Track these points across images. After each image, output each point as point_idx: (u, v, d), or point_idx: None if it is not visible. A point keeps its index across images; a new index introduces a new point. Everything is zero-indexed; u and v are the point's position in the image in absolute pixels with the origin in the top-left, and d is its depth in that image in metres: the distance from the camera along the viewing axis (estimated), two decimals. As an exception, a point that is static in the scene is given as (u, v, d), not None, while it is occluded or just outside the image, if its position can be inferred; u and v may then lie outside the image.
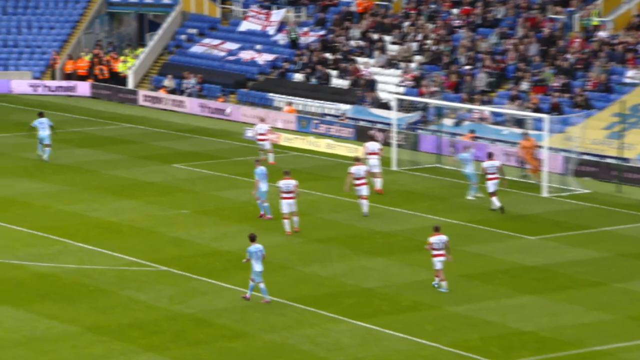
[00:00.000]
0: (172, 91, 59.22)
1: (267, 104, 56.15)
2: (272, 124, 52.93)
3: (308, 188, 40.01)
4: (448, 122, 48.25)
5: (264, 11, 61.88)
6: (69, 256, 31.36)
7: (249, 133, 50.14)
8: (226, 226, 34.90)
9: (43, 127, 44.42)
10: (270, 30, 61.10)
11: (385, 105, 51.74)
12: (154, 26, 66.35)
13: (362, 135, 49.71)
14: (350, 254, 32.26)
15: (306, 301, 27.87)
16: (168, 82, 59.58)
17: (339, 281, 29.71)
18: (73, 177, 41.42)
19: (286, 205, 33.81)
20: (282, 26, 61.05)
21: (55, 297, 27.80)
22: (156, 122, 54.06)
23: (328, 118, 53.03)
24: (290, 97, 55.40)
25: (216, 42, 61.88)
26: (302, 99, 55.15)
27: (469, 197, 38.67)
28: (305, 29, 60.24)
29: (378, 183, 39.63)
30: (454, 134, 47.44)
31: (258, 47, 60.39)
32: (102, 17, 66.55)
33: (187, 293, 28.41)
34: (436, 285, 28.94)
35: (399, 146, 44.85)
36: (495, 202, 36.99)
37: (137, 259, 31.12)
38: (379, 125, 50.19)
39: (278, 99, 55.94)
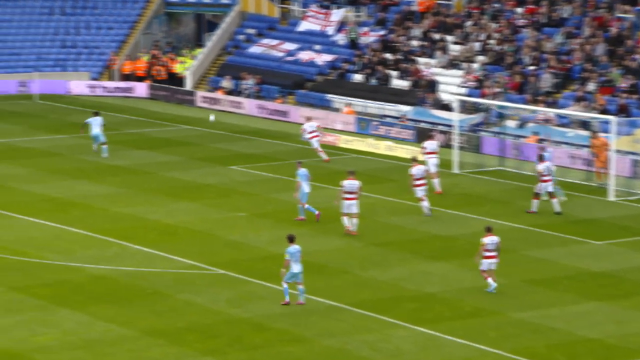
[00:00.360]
0: (230, 92, 59.48)
1: (326, 105, 56.16)
2: (331, 125, 52.95)
3: (367, 191, 39.90)
4: (511, 124, 47.90)
5: (324, 11, 61.92)
6: (127, 259, 31.59)
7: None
8: (284, 229, 34.90)
9: (95, 125, 45.48)
10: (330, 30, 61.12)
11: (447, 107, 51.50)
12: (212, 26, 66.69)
13: (422, 137, 49.49)
14: (410, 258, 32.14)
15: (365, 306, 27.80)
16: (226, 83, 59.84)
17: (398, 286, 29.61)
18: (130, 179, 41.74)
19: (350, 206, 33.84)
20: (341, 26, 61.04)
21: (113, 300, 28.01)
22: (214, 123, 54.31)
23: (388, 119, 52.90)
24: (349, 98, 55.37)
25: (275, 42, 62.03)
26: (362, 100, 55.08)
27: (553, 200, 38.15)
28: (365, 28, 60.17)
29: (437, 184, 39.45)
30: (517, 136, 47.10)
31: (317, 47, 60.45)
32: (160, 18, 67.04)
33: (244, 297, 28.47)
34: (492, 291, 28.73)
35: (461, 148, 44.60)
36: (536, 206, 36.84)
37: (194, 261, 31.26)
38: (440, 127, 49.97)
39: (337, 100, 55.93)
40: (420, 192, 36.32)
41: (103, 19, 66.81)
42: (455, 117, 45.81)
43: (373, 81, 56.42)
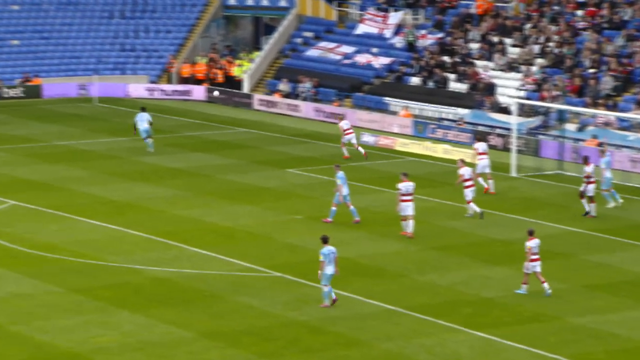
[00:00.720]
0: (287, 95, 59.65)
1: (383, 108, 56.13)
2: (388, 128, 52.92)
3: (424, 194, 39.83)
4: (571, 127, 47.53)
5: (381, 14, 61.88)
6: (185, 261, 31.80)
7: (365, 137, 50.21)
8: (341, 232, 34.96)
9: (142, 121, 46.87)
10: (387, 33, 61.07)
11: (505, 110, 51.21)
12: (270, 29, 66.95)
13: (480, 140, 49.26)
14: (469, 262, 32.01)
15: (423, 310, 27.74)
16: (283, 86, 60.03)
17: (456, 290, 29.51)
18: (188, 181, 42.02)
19: (406, 208, 33.94)
20: (399, 29, 60.97)
21: (172, 302, 28.21)
22: (271, 126, 54.51)
23: (445, 123, 52.74)
24: (406, 101, 55.29)
25: (332, 45, 62.11)
26: (419, 103, 54.97)
27: (610, 206, 37.84)
28: (423, 31, 60.04)
29: (491, 185, 39.24)
30: (576, 140, 46.73)
31: (374, 50, 60.43)
32: (218, 21, 67.44)
33: (301, 300, 28.53)
34: (523, 292, 28.70)
35: (519, 152, 44.34)
36: (588, 206, 36.51)
37: (251, 264, 31.39)
38: (498, 130, 49.72)
39: (394, 103, 55.87)
40: (470, 193, 36.25)
41: (162, 23, 67.33)
42: (513, 120, 45.54)
43: (430, 84, 56.28)
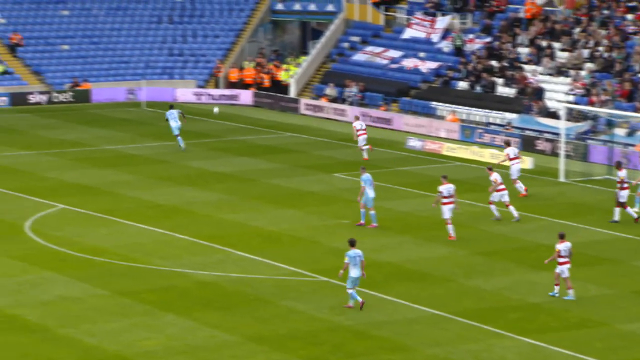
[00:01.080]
0: (334, 100, 59.70)
1: (430, 113, 56.03)
2: (435, 133, 52.79)
3: (471, 199, 39.71)
4: (620, 132, 47.14)
5: (429, 18, 61.77)
6: (231, 265, 31.93)
7: (412, 142, 50.15)
8: (386, 237, 34.94)
9: (173, 118, 48.58)
10: (435, 38, 60.95)
11: (554, 115, 50.92)
12: (317, 34, 67.07)
13: (528, 145, 49.08)
14: (515, 268, 31.85)
15: (469, 315, 27.65)
16: (330, 90, 60.10)
17: (503, 295, 29.37)
18: (234, 185, 42.19)
19: (448, 211, 34.03)
20: (446, 33, 60.83)
21: (217, 306, 28.34)
22: (317, 130, 54.58)
23: (493, 127, 52.52)
24: (453, 105, 55.15)
25: (379, 49, 62.10)
26: (466, 107, 54.81)
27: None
28: (471, 35, 59.86)
29: (521, 187, 39.75)
30: (626, 145, 46.33)
31: (421, 54, 60.34)
32: (265, 26, 67.67)
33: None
34: (556, 295, 28.58)
35: (567, 157, 44.06)
36: (617, 211, 36.28)
37: (297, 268, 31.45)
38: (546, 135, 49.43)
39: (441, 107, 55.75)
40: (506, 197, 36.37)
41: (210, 27, 67.69)
42: (562, 125, 45.27)
43: (478, 89, 56.09)
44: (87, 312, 27.61)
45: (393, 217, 37.37)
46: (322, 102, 59.45)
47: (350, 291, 27.84)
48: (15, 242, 33.79)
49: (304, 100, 60.13)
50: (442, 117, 54.98)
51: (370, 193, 35.41)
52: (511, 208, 36.64)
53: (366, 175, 35.53)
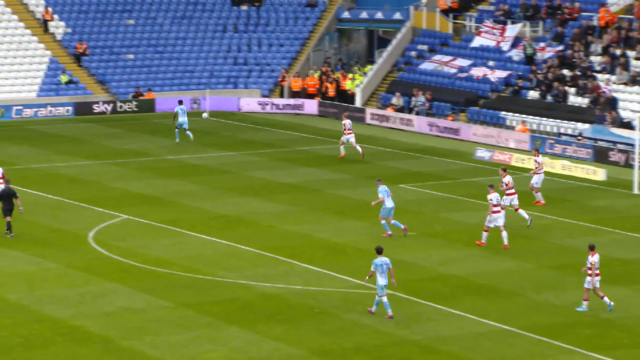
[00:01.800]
0: (400, 109, 59.62)
1: (499, 123, 55.70)
2: (505, 143, 52.45)
3: (541, 212, 39.40)
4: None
5: (499, 26, 61.45)
6: (295, 277, 31.98)
7: (480, 152, 49.90)
8: (454, 250, 34.78)
9: (183, 113, 52.20)
10: (505, 46, 60.62)
11: (627, 125, 50.35)
12: (384, 43, 67.06)
13: (601, 156, 48.58)
14: (587, 282, 31.51)
15: (539, 330, 27.41)
16: (396, 100, 60.03)
17: (574, 310, 29.07)
18: (299, 196, 42.28)
19: (498, 218, 34.36)
20: (517, 41, 60.47)
21: (281, 319, 28.40)
22: (383, 140, 54.53)
23: (564, 138, 52.07)
24: (523, 115, 54.78)
25: (447, 58, 61.92)
26: (537, 117, 54.42)
27: None
28: (542, 44, 59.44)
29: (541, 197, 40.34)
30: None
31: (491, 63, 60.05)
32: (331, 34, 67.82)
33: (412, 318, 28.45)
34: (583, 310, 28.54)
35: (642, 168, 43.54)
36: None
37: (362, 281, 31.39)
38: (619, 146, 48.89)
39: (511, 117, 55.41)
40: (516, 200, 36.87)
41: (275, 36, 68.00)
42: (636, 135, 44.73)
43: (549, 98, 55.66)
44: (150, 324, 27.82)
45: (461, 229, 37.18)
46: (389, 111, 59.39)
47: (384, 299, 28.04)
48: (79, 252, 34.19)
49: (370, 110, 60.12)
50: (511, 128, 54.63)
51: (389, 204, 35.73)
52: (521, 211, 36.82)
53: (382, 187, 35.90)
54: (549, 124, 53.72)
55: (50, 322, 27.82)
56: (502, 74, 58.83)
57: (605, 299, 28.77)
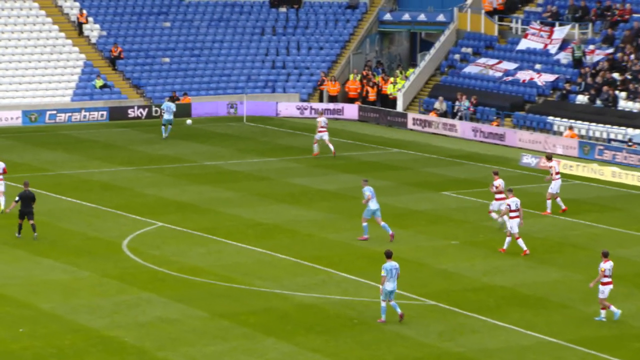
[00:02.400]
0: (443, 114, 59.47)
1: (546, 128, 55.42)
2: (552, 149, 52.14)
3: (591, 220, 39.14)
4: None
5: (546, 28, 61.17)
6: (334, 287, 31.95)
7: (526, 159, 49.66)
8: (499, 259, 34.62)
9: (169, 111, 54.86)
10: (552, 49, 60.33)
11: (680, 130, 49.96)
12: (426, 45, 66.93)
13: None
14: (638, 294, 31.27)
15: (588, 344, 27.21)
16: (439, 104, 59.89)
17: (624, 323, 28.85)
18: (339, 204, 42.25)
19: (515, 225, 34.66)
20: (565, 44, 60.16)
21: (319, 330, 28.37)
22: (425, 146, 54.42)
23: (614, 144, 51.72)
24: (571, 120, 54.47)
25: (492, 61, 61.71)
26: (585, 122, 54.09)
27: None
28: (591, 47, 59.09)
29: (561, 203, 39.77)
30: None
31: (538, 66, 59.77)
32: (372, 37, 67.78)
33: (456, 330, 28.34)
34: (603, 319, 28.42)
35: (695, 175, 43.17)
36: None
37: (403, 291, 31.30)
38: (671, 152, 48.53)
39: (558, 122, 55.12)
40: (504, 207, 36.61)
41: (314, 39, 68.06)
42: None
43: (598, 103, 55.31)
44: (185, 335, 27.89)
45: (505, 238, 36.99)
46: (431, 116, 59.26)
47: (392, 303, 28.28)
48: (113, 260, 34.35)
49: (412, 115, 60.00)
50: (559, 133, 54.34)
51: (373, 205, 36.06)
52: (496, 218, 37.06)
53: (368, 187, 36.33)
54: (598, 130, 53.38)
55: (84, 332, 27.96)
56: (549, 77, 58.54)
57: (603, 311, 28.74)
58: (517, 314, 29.39)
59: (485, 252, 35.43)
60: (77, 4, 67.59)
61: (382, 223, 36.19)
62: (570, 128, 53.60)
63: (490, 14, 64.25)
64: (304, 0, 69.89)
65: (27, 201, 36.12)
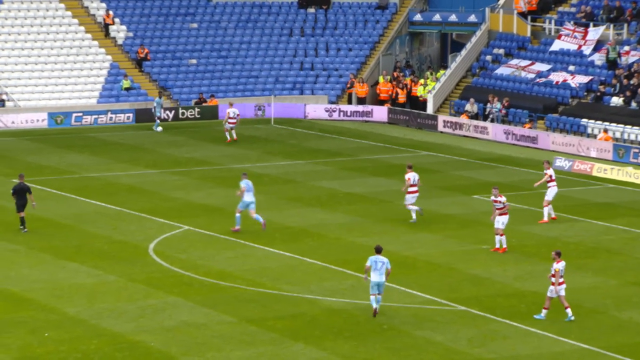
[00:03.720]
0: (475, 116, 59.37)
1: (580, 131, 55.25)
2: (585, 152, 51.95)
3: (625, 225, 38.97)
4: None
5: (580, 29, 60.96)
6: (362, 292, 31.93)
7: (559, 162, 49.52)
8: (531, 264, 34.53)
9: (159, 108, 58.29)
10: (586, 50, 60.13)
11: None
12: (457, 46, 66.86)
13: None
14: (673, 300, 31.14)
15: (622, 351, 27.11)
16: (470, 106, 59.80)
17: (659, 330, 28.75)
18: (366, 207, 42.26)
19: (501, 222, 35.43)
20: (599, 45, 59.95)
21: (348, 335, 28.39)
22: (456, 149, 54.34)
23: (649, 147, 51.52)
24: (606, 123, 54.26)
25: (525, 63, 61.57)
26: (620, 125, 53.88)
27: None
28: (627, 47, 58.85)
29: (550, 211, 39.77)
30: None
31: (571, 68, 59.59)
32: (402, 38, 67.76)
33: (487, 336, 28.29)
34: (542, 317, 28.82)
35: None
36: None
37: (433, 297, 31.31)
38: None
39: (592, 125, 54.92)
40: (411, 199, 38.55)
41: (343, 40, 68.10)
42: None
43: (633, 105, 55.08)
44: (212, 340, 27.97)
45: (539, 242, 36.92)
46: (462, 119, 59.17)
47: (378, 297, 29.02)
48: (139, 264, 34.49)
49: (443, 117, 59.95)
50: (593, 136, 54.15)
51: (248, 198, 37.44)
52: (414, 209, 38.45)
53: (246, 181, 37.64)
54: (633, 132, 53.15)
55: (109, 337, 28.08)
56: (583, 79, 58.34)
57: (568, 310, 28.96)
58: (549, 320, 29.30)
59: (517, 257, 35.35)
60: (104, 5, 67.93)
61: (255, 215, 37.63)
62: (605, 131, 53.40)
63: (522, 14, 64.11)
64: (333, 0, 69.94)
65: (21, 193, 37.22)
